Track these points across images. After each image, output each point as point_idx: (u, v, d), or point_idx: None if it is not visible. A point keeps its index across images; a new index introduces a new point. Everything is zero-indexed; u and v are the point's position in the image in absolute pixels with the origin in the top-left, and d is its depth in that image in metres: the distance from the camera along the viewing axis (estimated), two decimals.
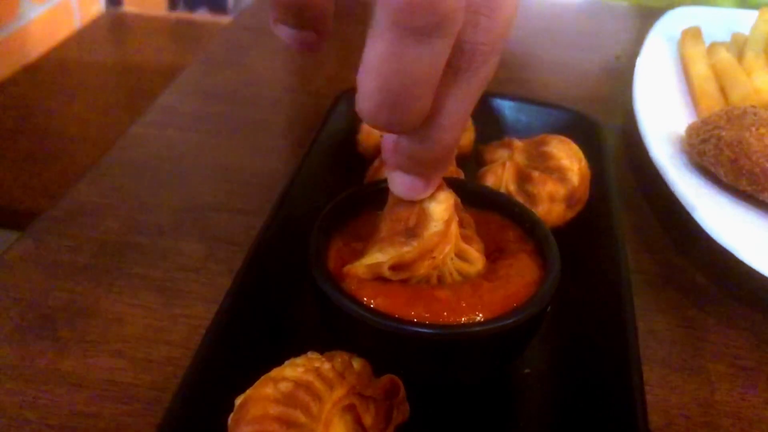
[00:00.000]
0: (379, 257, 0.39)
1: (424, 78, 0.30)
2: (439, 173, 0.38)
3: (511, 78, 0.80)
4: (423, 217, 0.39)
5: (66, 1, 2.33)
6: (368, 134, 0.60)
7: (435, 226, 0.39)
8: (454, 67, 0.32)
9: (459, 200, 0.41)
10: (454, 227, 0.39)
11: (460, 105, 0.33)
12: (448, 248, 0.39)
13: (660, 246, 0.57)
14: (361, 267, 0.39)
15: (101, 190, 0.59)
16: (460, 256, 0.40)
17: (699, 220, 0.52)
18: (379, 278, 0.38)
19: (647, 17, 0.85)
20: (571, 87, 0.79)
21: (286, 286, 0.46)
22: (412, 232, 0.39)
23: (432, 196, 0.39)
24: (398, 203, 0.39)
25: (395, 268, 0.38)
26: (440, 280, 0.39)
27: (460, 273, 0.40)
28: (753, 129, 0.54)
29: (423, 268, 0.38)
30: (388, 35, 0.29)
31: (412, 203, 0.39)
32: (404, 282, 0.39)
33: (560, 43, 0.89)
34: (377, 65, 0.30)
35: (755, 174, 0.53)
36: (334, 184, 0.52)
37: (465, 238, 0.41)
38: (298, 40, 0.34)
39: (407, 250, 0.38)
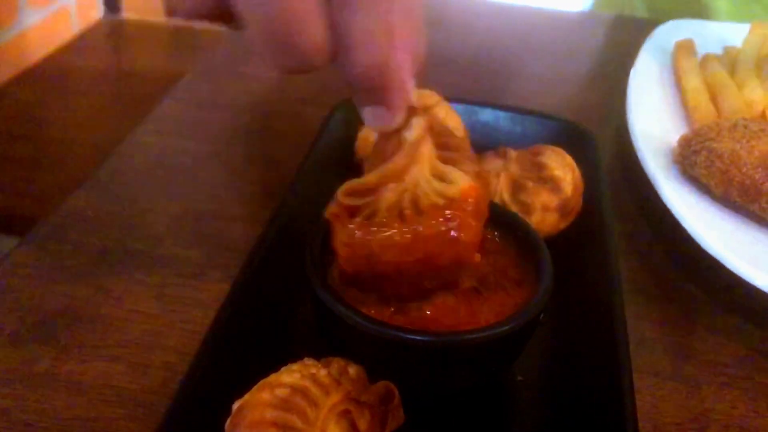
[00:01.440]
0: (363, 177, 0.38)
1: (297, 10, 0.31)
2: (396, 96, 0.36)
3: (505, 88, 0.81)
4: (399, 146, 0.38)
5: (65, 7, 2.34)
6: (365, 142, 0.61)
7: (405, 149, 0.37)
8: None
9: (441, 125, 0.41)
10: (427, 148, 0.37)
11: (359, 21, 0.33)
12: (416, 169, 0.37)
13: (651, 255, 0.57)
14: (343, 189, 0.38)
15: (100, 197, 0.60)
16: (439, 177, 0.38)
17: (690, 231, 0.52)
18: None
19: (639, 29, 0.86)
20: (565, 97, 0.80)
21: (284, 293, 0.47)
22: (389, 159, 0.38)
23: (407, 125, 0.37)
24: (379, 140, 0.39)
25: (353, 193, 0.37)
26: (414, 204, 0.37)
27: (440, 194, 0.37)
28: (744, 141, 0.55)
29: (391, 192, 0.37)
30: None
31: (389, 136, 0.38)
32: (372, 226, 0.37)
33: (554, 54, 0.90)
34: (250, 18, 0.31)
35: (745, 185, 0.54)
36: (332, 192, 0.53)
37: (448, 160, 0.39)
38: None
39: (370, 176, 0.37)
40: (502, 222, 0.46)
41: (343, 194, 0.37)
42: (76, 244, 0.54)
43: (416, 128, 0.37)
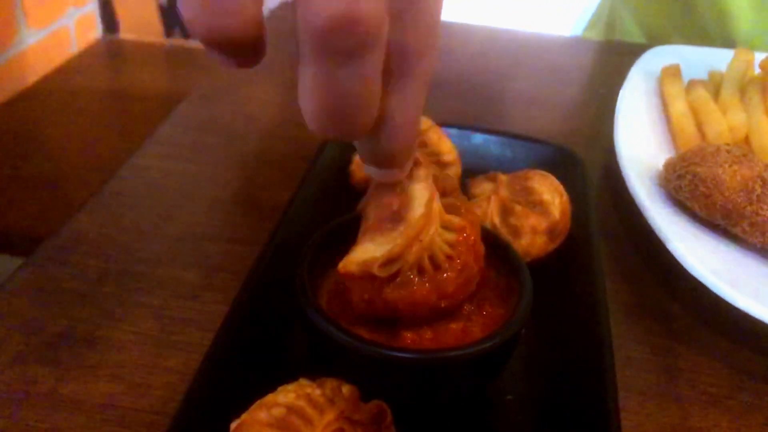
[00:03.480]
0: (371, 249, 0.40)
1: (361, 92, 0.30)
2: (409, 158, 0.38)
3: (496, 112, 0.83)
4: (406, 199, 0.40)
5: (64, 27, 2.36)
6: (360, 166, 0.63)
7: (418, 207, 0.40)
8: (391, 72, 0.32)
9: (438, 169, 0.42)
10: (436, 205, 0.40)
11: (405, 104, 0.34)
12: (433, 228, 0.40)
13: (638, 276, 0.59)
14: (352, 264, 0.39)
15: (101, 220, 0.61)
16: (445, 227, 0.41)
17: (674, 253, 0.54)
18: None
19: (626, 53, 0.89)
20: (554, 121, 0.82)
21: (280, 315, 0.48)
22: (397, 216, 0.40)
23: (411, 176, 0.40)
24: (381, 189, 0.40)
25: (387, 263, 0.39)
26: (432, 260, 0.40)
27: (449, 244, 0.40)
28: (726, 166, 0.57)
29: (412, 255, 0.39)
30: (315, 61, 0.29)
31: (393, 187, 0.40)
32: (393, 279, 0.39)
33: (544, 77, 0.92)
34: (312, 90, 0.30)
35: (728, 209, 0.56)
36: (328, 215, 0.54)
37: (448, 207, 0.42)
38: (233, 64, 0.32)
39: (398, 242, 0.39)
40: (484, 241, 0.48)
41: (379, 268, 0.39)
42: (77, 267, 0.56)
43: (425, 183, 0.40)
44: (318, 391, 0.37)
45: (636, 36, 1.14)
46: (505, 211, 0.54)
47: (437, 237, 0.40)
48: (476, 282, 0.42)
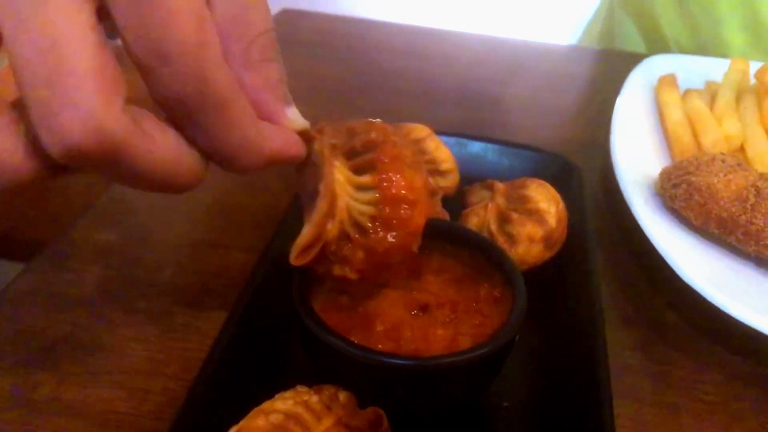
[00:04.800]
0: (303, 232, 0.40)
1: (150, 174, 0.31)
2: (258, 165, 0.36)
3: (494, 120, 0.84)
4: (317, 173, 0.40)
5: None
6: None
7: (321, 186, 0.39)
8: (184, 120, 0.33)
9: (344, 126, 0.42)
10: (338, 176, 0.40)
11: (213, 142, 0.33)
12: (340, 201, 0.40)
13: (634, 284, 0.59)
14: (294, 253, 0.40)
15: (102, 226, 0.61)
16: (360, 188, 0.41)
17: (669, 261, 0.54)
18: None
19: (624, 62, 0.89)
20: (552, 129, 0.82)
21: (278, 322, 0.48)
22: (314, 192, 0.40)
23: (312, 150, 0.39)
24: (299, 168, 0.40)
25: (302, 252, 0.40)
26: (358, 226, 0.40)
27: (369, 204, 0.40)
28: (721, 175, 0.57)
29: (331, 232, 0.40)
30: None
31: (300, 167, 0.40)
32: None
33: (543, 86, 0.93)
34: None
35: (723, 218, 0.56)
36: None
37: (360, 165, 0.41)
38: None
39: (305, 232, 0.40)
40: (477, 248, 0.48)
41: (295, 259, 0.40)
42: (77, 273, 0.56)
43: (322, 156, 0.40)
44: (315, 398, 0.38)
45: (635, 44, 1.15)
46: (502, 219, 0.55)
47: (353, 204, 0.40)
48: (424, 215, 0.42)
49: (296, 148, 0.37)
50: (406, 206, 0.41)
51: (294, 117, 0.37)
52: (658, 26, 1.07)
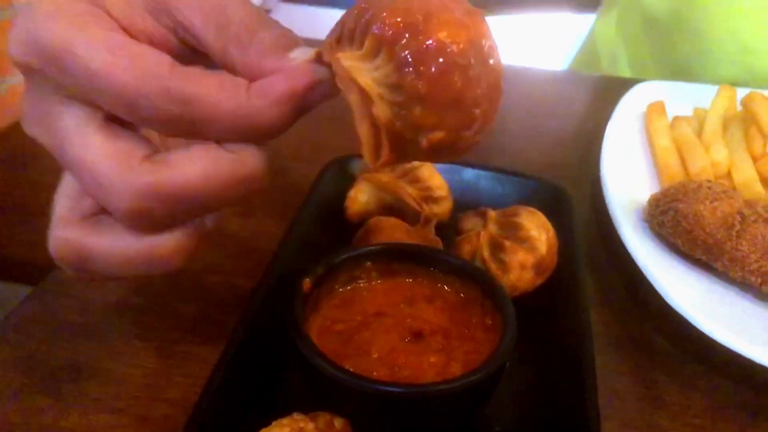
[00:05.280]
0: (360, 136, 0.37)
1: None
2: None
3: (487, 145, 0.85)
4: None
5: None
6: (354, 201, 0.65)
7: (340, 85, 0.36)
8: None
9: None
10: (347, 65, 0.36)
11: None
12: (365, 80, 0.35)
13: (624, 309, 0.61)
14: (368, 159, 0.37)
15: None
16: (370, 56, 0.35)
17: (656, 286, 0.56)
18: None
19: (616, 87, 0.91)
20: (544, 155, 0.84)
21: (275, 349, 0.50)
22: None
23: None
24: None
25: (376, 143, 0.37)
26: (395, 88, 0.34)
27: (387, 62, 0.34)
28: (707, 202, 0.59)
29: (384, 107, 0.35)
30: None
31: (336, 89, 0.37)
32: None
33: (535, 112, 0.95)
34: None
35: (709, 245, 0.58)
36: (323, 249, 0.56)
37: (361, 43, 0.35)
38: None
39: (360, 132, 0.37)
40: (469, 276, 0.50)
41: (374, 163, 0.37)
42: (79, 299, 0.57)
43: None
44: (311, 425, 0.39)
45: (624, 70, 1.17)
46: (495, 247, 0.56)
47: (375, 75, 0.35)
48: (446, 24, 0.34)
49: (306, 76, 0.37)
50: (414, 31, 0.34)
51: (296, 55, 0.38)
52: (645, 57, 1.10)
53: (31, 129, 0.39)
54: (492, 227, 0.58)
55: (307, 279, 0.47)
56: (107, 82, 0.34)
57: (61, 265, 0.39)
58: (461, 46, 0.33)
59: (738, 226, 0.57)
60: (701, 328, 0.52)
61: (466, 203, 0.65)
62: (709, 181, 0.63)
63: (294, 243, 0.59)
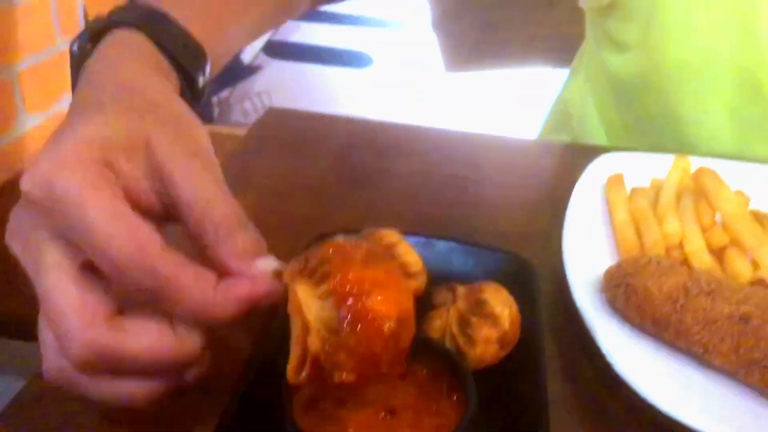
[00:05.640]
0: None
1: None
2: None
3: (462, 216, 0.92)
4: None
5: (61, 110, 2.46)
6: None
7: (290, 311, 0.47)
8: None
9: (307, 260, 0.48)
10: (301, 298, 0.46)
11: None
12: (312, 315, 0.46)
13: (583, 378, 0.66)
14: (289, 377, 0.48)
15: None
16: (323, 297, 0.46)
17: (608, 357, 0.62)
18: None
19: (588, 155, 0.97)
20: (515, 225, 0.90)
21: (262, 427, 0.55)
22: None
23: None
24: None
25: (296, 373, 0.47)
26: (333, 332, 0.45)
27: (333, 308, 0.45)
28: (655, 278, 0.65)
29: (316, 341, 0.45)
30: None
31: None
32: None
33: (506, 182, 1.02)
34: None
35: (656, 318, 0.64)
36: None
37: (319, 280, 0.46)
38: None
39: (292, 357, 0.48)
40: (437, 355, 0.55)
41: (292, 378, 0.48)
42: None
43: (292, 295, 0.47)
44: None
45: (595, 129, 1.24)
46: (462, 322, 0.62)
47: (321, 314, 0.46)
48: (389, 300, 0.46)
49: (264, 287, 0.46)
50: (359, 298, 0.45)
51: (263, 265, 0.47)
52: (613, 118, 1.17)
53: (12, 243, 0.46)
54: (460, 303, 0.64)
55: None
56: (105, 246, 0.42)
57: (88, 364, 0.44)
58: (390, 323, 0.46)
59: (682, 300, 0.63)
60: (646, 398, 0.58)
61: (440, 276, 0.71)
62: (657, 256, 0.69)
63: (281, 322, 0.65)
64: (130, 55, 0.58)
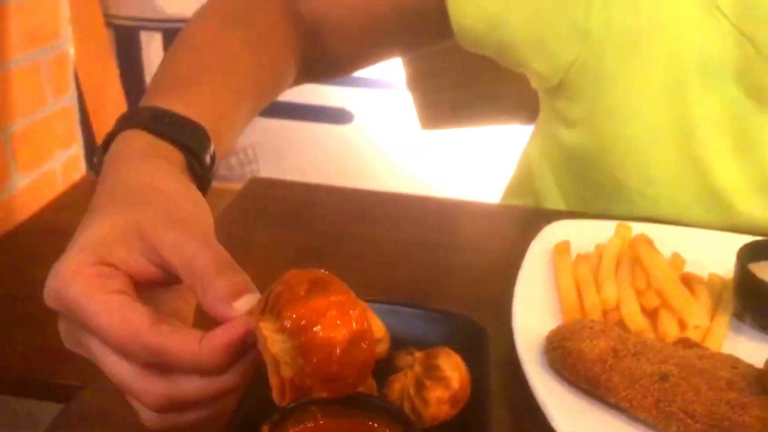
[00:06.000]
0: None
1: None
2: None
3: (423, 283, 1.01)
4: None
5: (51, 169, 2.55)
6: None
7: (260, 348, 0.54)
8: None
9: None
10: (264, 335, 0.52)
11: None
12: (276, 349, 0.52)
13: None
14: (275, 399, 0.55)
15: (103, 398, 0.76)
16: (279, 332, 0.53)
17: (547, 415, 0.70)
18: None
19: (547, 219, 1.06)
20: (473, 289, 0.99)
21: None
22: None
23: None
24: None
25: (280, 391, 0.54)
26: (294, 362, 0.52)
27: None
28: (588, 340, 0.74)
29: (288, 369, 0.52)
30: None
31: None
32: None
33: (466, 247, 1.11)
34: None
35: (589, 377, 0.72)
36: None
37: (276, 317, 0.53)
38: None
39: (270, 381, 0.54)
40: (392, 416, 0.64)
41: (279, 402, 0.56)
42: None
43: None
44: None
45: (551, 190, 1.34)
46: (418, 385, 0.71)
47: (282, 346, 0.52)
48: (333, 328, 0.52)
49: (241, 328, 0.54)
50: (306, 331, 0.51)
51: (240, 307, 0.55)
52: (566, 185, 1.27)
53: (69, 345, 0.57)
54: (417, 367, 0.72)
55: (266, 426, 0.60)
56: (107, 335, 0.52)
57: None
58: (338, 347, 0.52)
59: (611, 361, 0.72)
60: None
61: (402, 340, 0.80)
62: (592, 320, 0.78)
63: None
64: (130, 151, 0.69)
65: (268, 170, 2.77)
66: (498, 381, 0.77)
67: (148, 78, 2.61)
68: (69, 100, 2.63)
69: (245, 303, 0.55)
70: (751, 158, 1.09)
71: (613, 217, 1.09)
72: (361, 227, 1.14)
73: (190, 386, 0.54)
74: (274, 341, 0.53)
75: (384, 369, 0.77)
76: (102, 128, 2.72)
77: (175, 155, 0.71)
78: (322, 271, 0.57)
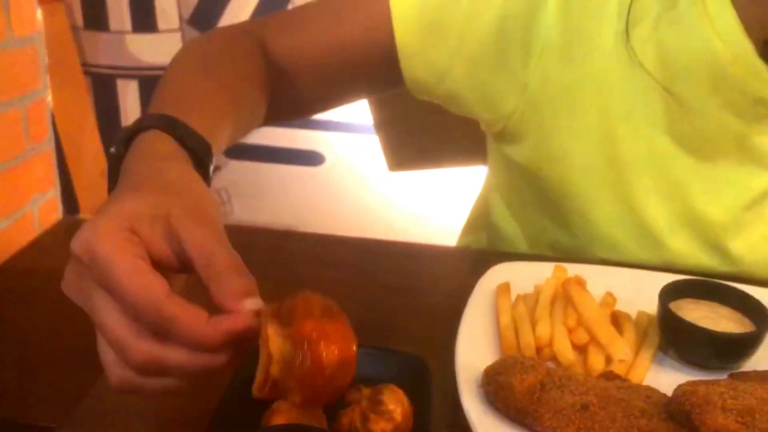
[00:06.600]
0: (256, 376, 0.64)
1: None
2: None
3: (380, 325, 1.09)
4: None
5: (28, 212, 2.60)
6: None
7: (261, 344, 0.64)
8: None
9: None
10: (269, 334, 0.62)
11: None
12: (275, 349, 0.62)
13: None
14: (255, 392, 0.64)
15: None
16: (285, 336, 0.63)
17: None
18: None
19: (497, 261, 1.15)
20: (424, 330, 1.06)
21: None
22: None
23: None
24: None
25: (262, 385, 0.64)
26: (288, 363, 0.62)
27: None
28: (518, 375, 0.83)
29: (276, 370, 0.63)
30: None
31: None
32: None
33: (421, 290, 1.19)
34: None
35: (519, 408, 0.81)
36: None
37: (286, 323, 0.63)
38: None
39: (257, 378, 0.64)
40: None
41: (256, 394, 0.66)
42: None
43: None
44: None
45: (513, 232, 1.43)
46: (364, 418, 0.79)
47: (283, 348, 0.62)
48: (331, 346, 0.63)
49: (246, 323, 0.62)
50: (311, 344, 0.61)
51: (249, 305, 0.63)
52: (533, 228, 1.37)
53: (69, 292, 0.63)
54: (363, 402, 0.80)
55: None
56: (126, 293, 0.58)
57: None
58: (331, 367, 0.63)
59: (538, 393, 0.81)
60: None
61: (361, 377, 0.88)
62: (523, 357, 0.87)
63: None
64: (160, 148, 0.78)
65: (241, 211, 2.85)
66: (442, 413, 0.85)
67: (125, 123, 2.70)
68: (47, 145, 2.69)
69: (252, 303, 0.63)
70: (676, 197, 1.19)
71: (562, 250, 1.19)
72: (321, 270, 1.22)
73: (176, 354, 0.60)
74: (275, 341, 0.62)
75: (334, 404, 0.84)
76: (79, 172, 2.78)
77: (191, 164, 0.79)
78: (335, 303, 0.69)
